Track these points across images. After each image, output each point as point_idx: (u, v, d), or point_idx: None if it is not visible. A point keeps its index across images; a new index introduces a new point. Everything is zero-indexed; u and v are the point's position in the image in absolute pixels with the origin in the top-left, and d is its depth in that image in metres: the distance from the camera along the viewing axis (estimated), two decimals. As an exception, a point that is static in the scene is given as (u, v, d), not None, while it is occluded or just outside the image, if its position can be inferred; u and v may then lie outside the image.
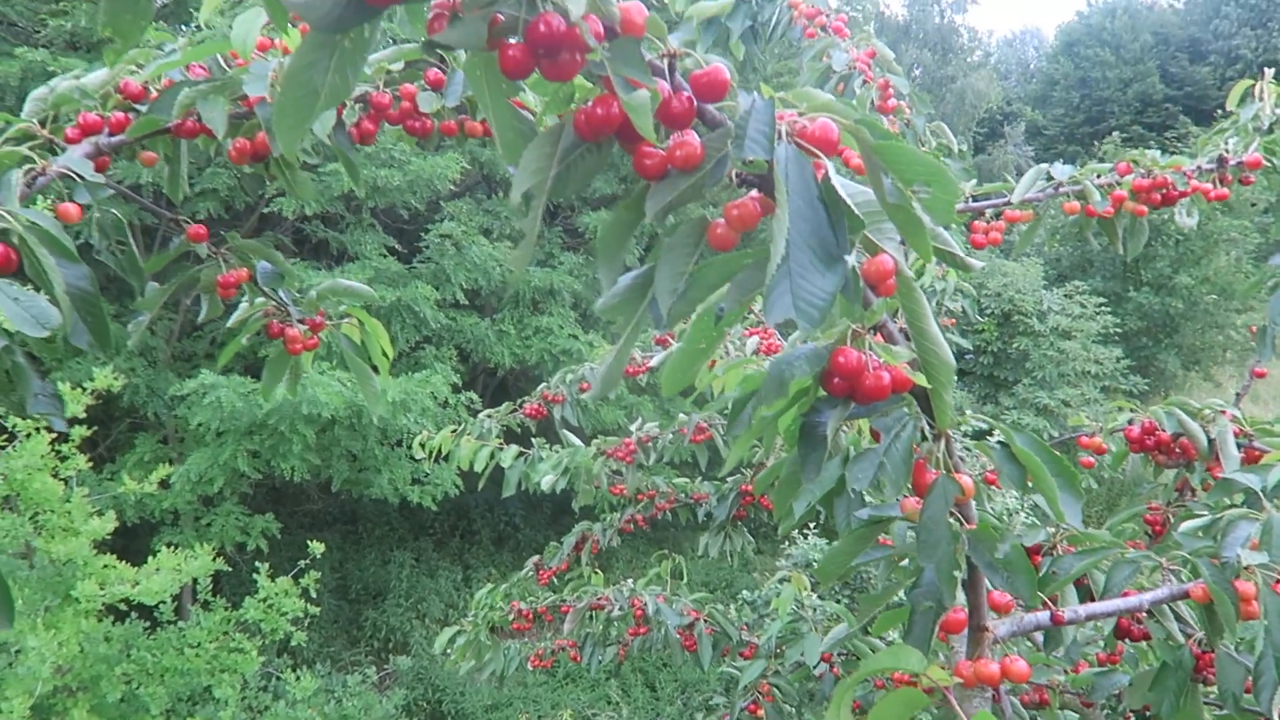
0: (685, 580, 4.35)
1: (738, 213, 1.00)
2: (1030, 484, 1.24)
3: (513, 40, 0.88)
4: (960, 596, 1.41)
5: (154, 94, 1.69)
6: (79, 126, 1.59)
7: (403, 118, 1.87)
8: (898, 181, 0.98)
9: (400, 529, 14.44)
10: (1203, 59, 33.04)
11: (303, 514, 13.83)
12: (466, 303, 12.57)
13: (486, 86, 0.96)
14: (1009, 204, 2.47)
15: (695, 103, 0.96)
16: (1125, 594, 1.78)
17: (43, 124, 1.58)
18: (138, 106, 1.66)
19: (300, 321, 1.98)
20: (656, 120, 0.95)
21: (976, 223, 2.56)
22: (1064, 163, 2.59)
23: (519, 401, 4.62)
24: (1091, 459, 2.51)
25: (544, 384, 4.61)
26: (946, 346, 1.16)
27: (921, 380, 1.12)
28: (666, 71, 0.95)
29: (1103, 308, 17.60)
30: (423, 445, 4.64)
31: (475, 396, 11.54)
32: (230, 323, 2.03)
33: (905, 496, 1.30)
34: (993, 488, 2.81)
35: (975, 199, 2.58)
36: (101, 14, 0.84)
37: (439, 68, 1.76)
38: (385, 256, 12.16)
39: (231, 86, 1.62)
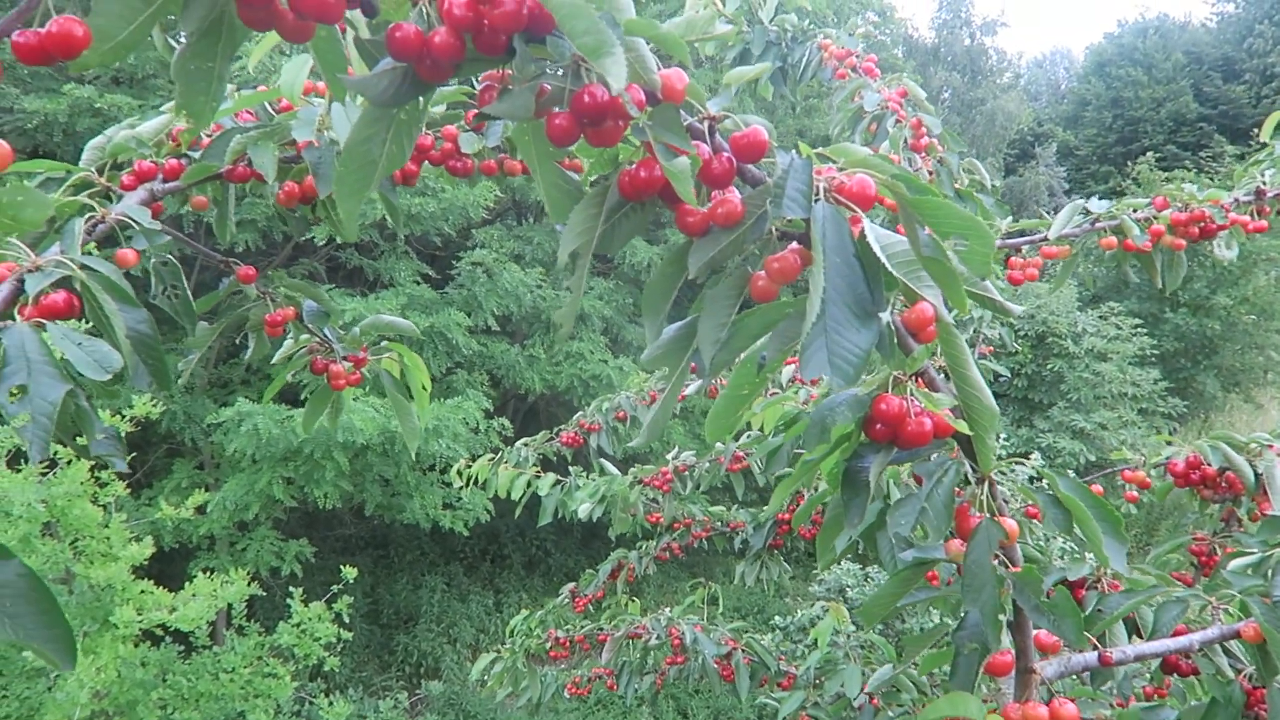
0: (720, 609, 4.34)
1: (778, 266, 1.02)
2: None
3: (558, 109, 0.91)
4: (1006, 638, 1.40)
5: (205, 140, 1.74)
6: (134, 173, 1.64)
7: (445, 158, 1.91)
8: (934, 234, 1.00)
9: (431, 553, 14.50)
10: (1237, 78, 32.66)
11: (335, 538, 13.94)
12: (498, 329, 12.68)
13: (534, 151, 0.99)
14: (1045, 239, 2.46)
15: (735, 163, 0.98)
16: (1176, 632, 1.76)
17: (100, 171, 1.64)
18: (189, 153, 1.72)
19: (344, 359, 2.02)
20: (698, 180, 0.98)
21: (1013, 259, 2.56)
22: (1100, 196, 2.58)
23: (555, 430, 4.66)
24: (1135, 493, 2.48)
25: (580, 412, 4.65)
26: (988, 391, 1.17)
27: (963, 427, 1.13)
28: (706, 134, 0.97)
29: (1139, 329, 17.33)
30: (460, 474, 4.68)
31: (507, 423, 11.62)
32: (275, 359, 2.08)
33: (949, 538, 1.30)
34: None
35: (1011, 235, 2.58)
36: (177, 96, 0.88)
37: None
38: (418, 284, 12.30)
39: (280, 132, 1.67)
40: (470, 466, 4.63)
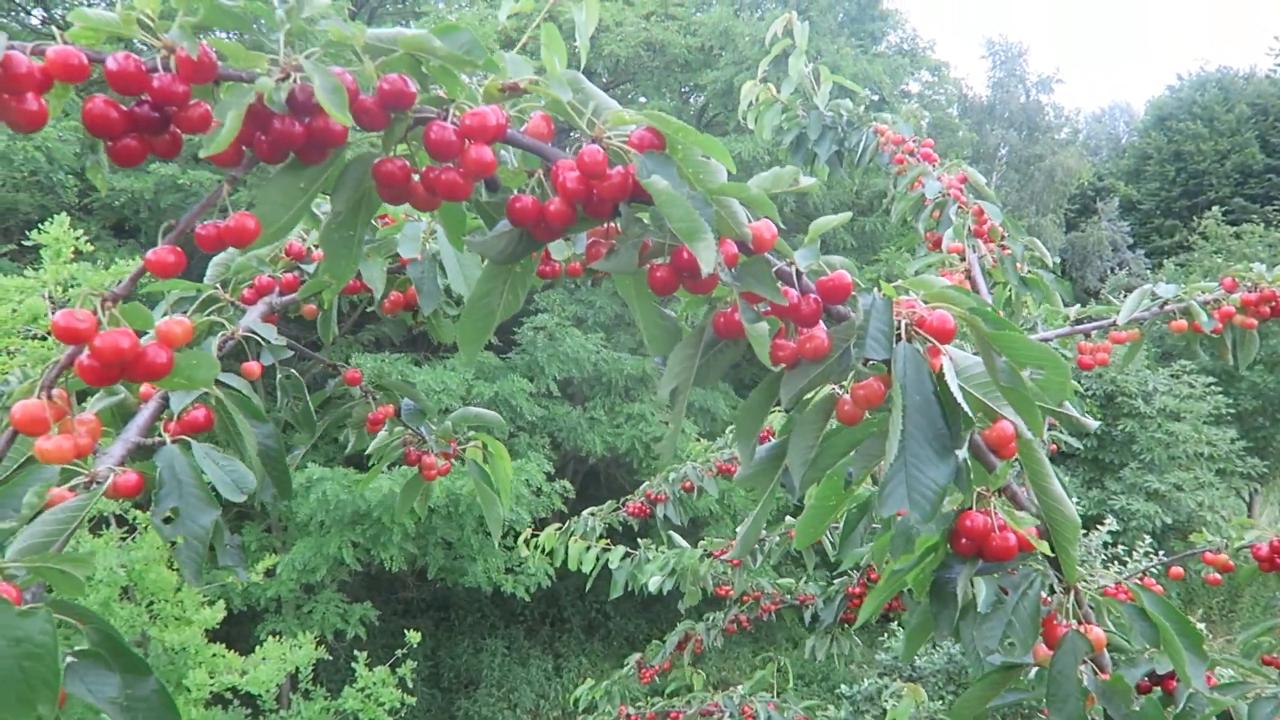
0: (791, 683, 4.31)
1: (863, 393, 1.09)
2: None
3: (659, 261, 1.00)
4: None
5: (315, 253, 1.87)
6: (254, 288, 1.78)
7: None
8: (1011, 363, 1.06)
9: (492, 616, 14.52)
10: (1305, 128, 31.95)
11: (398, 601, 14.06)
12: (559, 392, 12.83)
13: (635, 294, 1.08)
14: (1114, 325, 2.49)
15: (822, 304, 1.06)
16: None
17: (223, 285, 1.78)
18: (301, 265, 1.85)
19: (437, 453, 2.12)
20: (788, 319, 1.05)
21: (1083, 343, 2.58)
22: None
23: (621, 500, 4.71)
24: (1218, 575, 2.46)
25: (646, 482, 4.70)
26: (1070, 503, 1.21)
27: (1045, 548, 1.17)
28: (794, 278, 1.05)
29: (1213, 387, 16.84)
30: (527, 543, 4.76)
31: (568, 484, 11.70)
32: (370, 449, 2.19)
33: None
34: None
35: (1080, 321, 2.60)
36: (324, 262, 0.99)
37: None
38: (482, 349, 12.54)
39: (386, 246, 1.79)
40: (537, 535, 4.71)
